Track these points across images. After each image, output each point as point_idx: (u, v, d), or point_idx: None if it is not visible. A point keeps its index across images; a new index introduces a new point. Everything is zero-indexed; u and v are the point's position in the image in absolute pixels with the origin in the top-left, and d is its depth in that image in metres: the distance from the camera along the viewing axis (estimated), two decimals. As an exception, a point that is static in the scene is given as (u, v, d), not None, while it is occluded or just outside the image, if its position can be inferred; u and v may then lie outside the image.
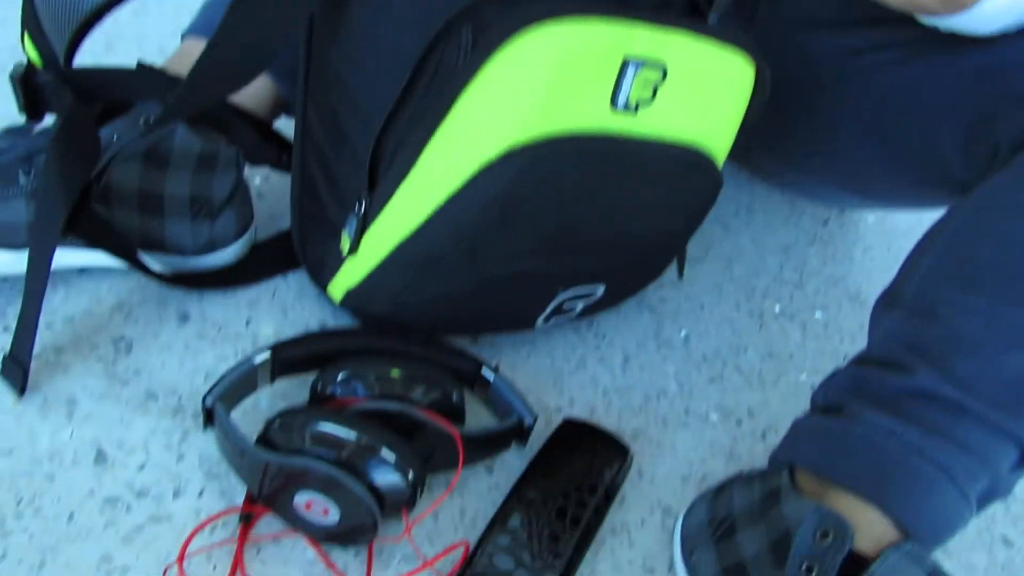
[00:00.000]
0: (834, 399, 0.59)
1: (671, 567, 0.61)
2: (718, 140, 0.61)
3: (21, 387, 0.59)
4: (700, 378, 0.77)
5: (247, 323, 0.69)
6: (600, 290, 0.68)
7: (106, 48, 0.95)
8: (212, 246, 0.70)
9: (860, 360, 0.60)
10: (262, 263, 0.74)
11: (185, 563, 0.53)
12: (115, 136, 0.64)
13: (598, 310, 0.72)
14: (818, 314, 0.90)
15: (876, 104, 0.72)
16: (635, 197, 0.61)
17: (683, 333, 0.82)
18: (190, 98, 0.61)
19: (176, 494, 0.57)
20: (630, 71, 0.54)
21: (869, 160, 0.76)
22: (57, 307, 0.66)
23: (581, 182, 0.57)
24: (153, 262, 0.68)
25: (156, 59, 0.69)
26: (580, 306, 0.69)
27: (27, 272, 0.58)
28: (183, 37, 0.73)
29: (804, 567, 0.50)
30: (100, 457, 0.58)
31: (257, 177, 0.82)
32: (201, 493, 0.57)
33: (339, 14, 0.58)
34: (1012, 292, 0.55)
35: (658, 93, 0.55)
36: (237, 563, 0.54)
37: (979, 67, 0.64)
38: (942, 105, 0.67)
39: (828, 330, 0.88)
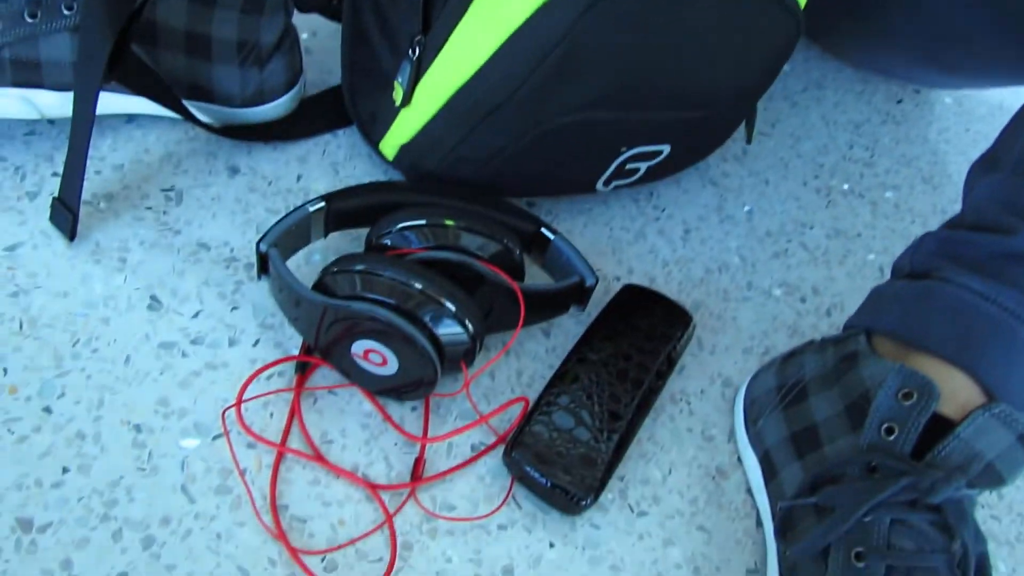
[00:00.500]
0: (922, 263, 0.55)
1: (731, 436, 0.60)
2: None
3: (71, 232, 0.58)
4: (763, 253, 0.74)
5: (298, 178, 0.67)
6: (665, 150, 0.64)
7: None
8: (261, 97, 0.67)
9: (953, 224, 0.56)
10: (311, 119, 0.71)
11: (242, 408, 0.53)
12: None
13: (661, 175, 0.69)
14: (889, 194, 0.86)
15: None
16: (707, 37, 0.55)
17: (746, 208, 0.78)
18: None
19: (231, 343, 0.56)
20: None
21: (975, 26, 0.70)
22: (106, 155, 0.64)
23: (650, 19, 0.52)
24: (201, 114, 0.66)
25: None
26: (643, 168, 0.65)
27: (73, 111, 0.56)
28: None
29: (884, 428, 0.48)
30: (154, 304, 0.57)
31: (304, 32, 0.78)
32: (256, 343, 0.56)
33: None
34: None
35: None
36: (294, 411, 0.53)
37: None
38: None
39: (899, 210, 0.84)
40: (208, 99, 0.66)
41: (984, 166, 0.58)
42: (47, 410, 0.51)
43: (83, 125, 0.56)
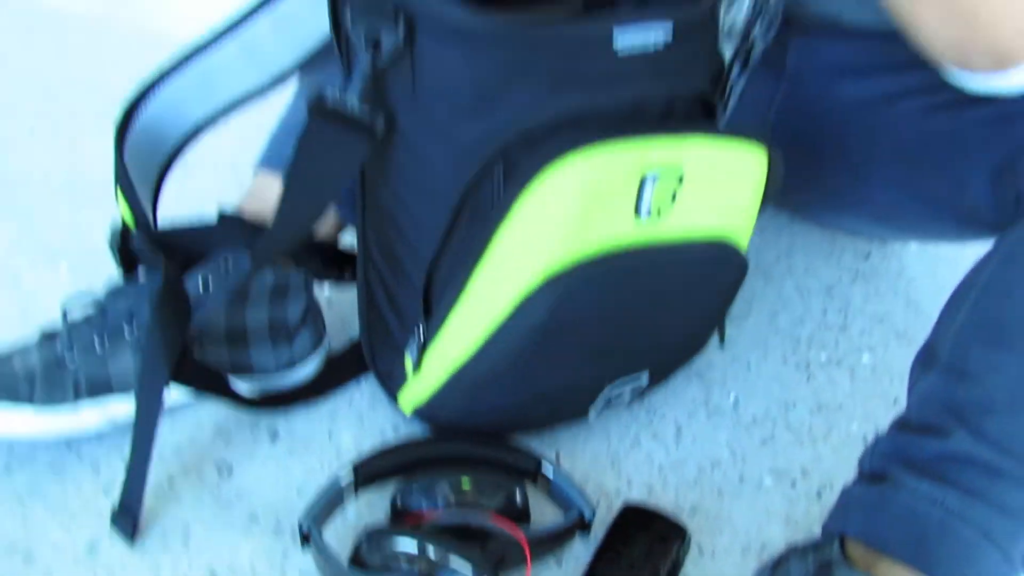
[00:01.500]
0: (878, 466, 0.63)
1: (736, 639, 0.66)
2: (739, 228, 0.66)
3: (131, 534, 0.66)
4: (751, 442, 0.82)
5: (329, 436, 0.76)
6: (644, 376, 0.73)
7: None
8: (292, 364, 0.78)
9: (901, 424, 0.64)
10: (337, 373, 0.81)
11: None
12: (201, 280, 0.72)
13: (646, 392, 0.77)
14: (865, 357, 0.93)
15: (904, 149, 0.75)
16: (668, 297, 0.66)
17: (732, 397, 0.86)
18: (272, 247, 0.67)
19: (284, 610, 0.64)
20: (649, 184, 0.59)
21: (900, 203, 0.79)
22: (165, 437, 0.74)
23: (616, 296, 0.62)
24: (241, 384, 0.76)
25: (229, 174, 0.77)
26: (627, 391, 0.74)
27: (135, 426, 0.65)
28: (255, 170, 0.81)
29: (858, 634, 0.55)
30: (216, 582, 0.66)
31: (326, 287, 0.90)
32: (306, 607, 0.65)
33: (386, 159, 0.64)
34: None
35: (677, 196, 0.60)
36: (343, 671, 0.61)
37: (1001, 113, 0.66)
38: (968, 149, 0.69)
39: (876, 373, 0.91)
40: (247, 373, 0.77)
41: (923, 362, 0.66)
42: None
43: (145, 441, 0.65)
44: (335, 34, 0.62)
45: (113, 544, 0.67)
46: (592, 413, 0.74)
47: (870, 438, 0.84)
